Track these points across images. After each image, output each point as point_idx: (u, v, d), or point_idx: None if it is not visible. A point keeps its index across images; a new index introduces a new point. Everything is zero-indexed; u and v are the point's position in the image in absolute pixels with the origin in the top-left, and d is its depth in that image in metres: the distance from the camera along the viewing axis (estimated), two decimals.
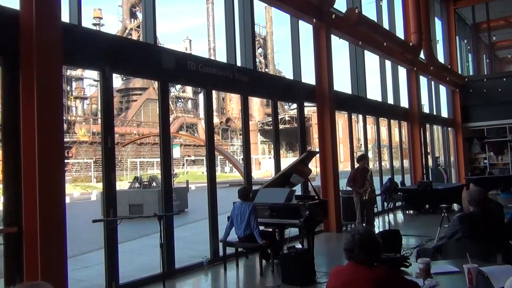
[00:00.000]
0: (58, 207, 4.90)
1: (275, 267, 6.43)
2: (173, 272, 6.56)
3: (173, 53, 7.32)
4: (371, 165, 15.12)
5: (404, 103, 15.45)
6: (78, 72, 57.53)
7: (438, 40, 19.61)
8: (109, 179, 5.95)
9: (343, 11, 11.41)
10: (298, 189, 8.37)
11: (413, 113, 15.35)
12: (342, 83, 13.11)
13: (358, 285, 2.44)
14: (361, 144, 22.84)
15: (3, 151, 4.82)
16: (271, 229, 7.21)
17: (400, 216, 12.76)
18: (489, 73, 22.10)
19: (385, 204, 13.10)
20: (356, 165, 9.93)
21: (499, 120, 18.79)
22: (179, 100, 65.86)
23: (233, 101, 65.71)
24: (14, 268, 4.74)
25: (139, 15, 58.18)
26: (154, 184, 17.59)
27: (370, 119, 14.37)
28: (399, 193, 13.02)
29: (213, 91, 8.19)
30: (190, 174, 46.54)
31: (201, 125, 59.03)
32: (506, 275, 2.64)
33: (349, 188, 10.10)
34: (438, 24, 20.03)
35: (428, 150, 16.83)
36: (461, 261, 3.21)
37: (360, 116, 13.37)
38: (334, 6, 10.79)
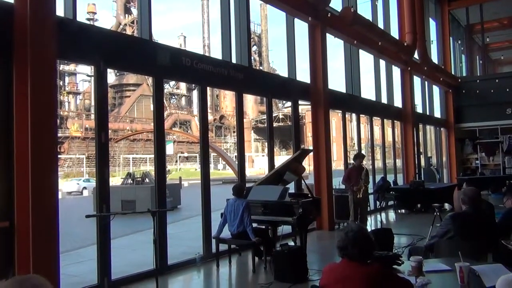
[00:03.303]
0: (50, 202, 4.87)
1: (268, 264, 6.45)
2: (165, 268, 6.56)
3: (168, 49, 7.30)
4: (364, 164, 15.15)
5: (398, 102, 15.54)
6: (71, 67, 57.19)
7: (432, 41, 19.71)
8: (102, 174, 5.93)
9: (339, 10, 11.43)
10: (291, 187, 8.39)
11: (407, 113, 15.43)
12: (337, 82, 13.17)
13: (351, 281, 2.46)
14: (354, 143, 22.93)
15: None
16: (264, 227, 7.22)
17: (392, 215, 12.83)
18: (482, 74, 22.27)
19: (378, 203, 13.17)
20: (351, 163, 9.96)
21: (491, 121, 18.95)
22: (173, 97, 65.64)
23: (227, 98, 65.65)
24: (6, 263, 4.71)
25: (134, 11, 57.91)
26: (147, 180, 17.55)
27: (363, 118, 14.42)
28: (391, 192, 13.10)
29: (208, 88, 8.18)
30: (183, 171, 46.47)
31: (195, 122, 58.95)
32: (496, 273, 2.67)
33: (342, 187, 10.14)
34: (432, 25, 20.13)
35: (421, 150, 16.93)
36: (453, 260, 3.24)
37: (354, 115, 13.40)
38: (330, 5, 10.80)
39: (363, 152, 11.08)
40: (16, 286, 1.29)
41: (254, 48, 68.31)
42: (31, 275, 1.39)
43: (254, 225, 6.73)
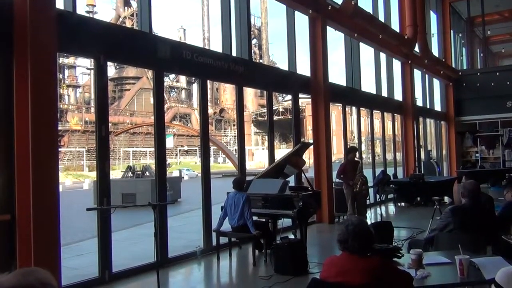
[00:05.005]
0: (51, 195, 4.88)
1: (268, 257, 6.47)
2: (166, 261, 6.58)
3: (168, 42, 7.27)
4: (364, 158, 15.17)
5: (398, 96, 15.51)
6: (70, 60, 57.01)
7: (433, 34, 19.63)
8: (103, 168, 5.93)
9: (339, 3, 11.37)
10: (291, 180, 8.40)
11: (407, 106, 15.41)
12: (337, 75, 13.14)
13: (351, 274, 2.47)
14: (354, 137, 22.93)
15: None
16: (264, 220, 7.24)
17: (392, 208, 12.86)
18: (482, 67, 22.19)
19: (377, 196, 13.20)
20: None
21: (491, 114, 18.93)
22: (173, 90, 65.50)
23: (226, 92, 65.53)
24: (7, 256, 4.73)
25: (133, 3, 57.63)
26: (147, 173, 17.58)
27: (363, 112, 14.40)
28: (391, 186, 13.12)
29: (208, 81, 8.16)
30: (183, 164, 46.50)
31: (195, 115, 58.89)
32: (496, 266, 2.69)
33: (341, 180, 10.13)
34: (433, 18, 20.03)
35: (421, 143, 16.93)
36: (452, 252, 3.26)
37: (354, 108, 13.37)
38: None
39: (362, 145, 11.08)
40: (20, 279, 1.28)
41: (254, 41, 68.06)
42: (35, 268, 1.39)
43: (255, 218, 6.74)
